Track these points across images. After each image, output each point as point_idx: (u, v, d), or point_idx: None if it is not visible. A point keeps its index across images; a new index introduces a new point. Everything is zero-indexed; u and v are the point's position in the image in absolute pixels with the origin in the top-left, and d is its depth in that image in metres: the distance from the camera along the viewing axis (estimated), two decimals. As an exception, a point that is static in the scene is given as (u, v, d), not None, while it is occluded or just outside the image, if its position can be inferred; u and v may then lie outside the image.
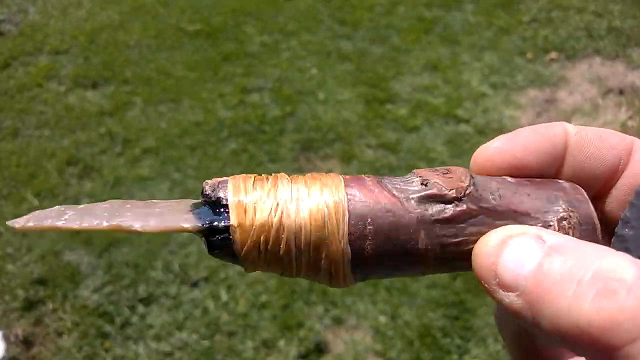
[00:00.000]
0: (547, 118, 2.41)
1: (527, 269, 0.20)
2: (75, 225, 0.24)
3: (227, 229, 0.23)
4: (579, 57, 2.76)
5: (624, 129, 2.31)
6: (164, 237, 1.94)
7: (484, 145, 0.27)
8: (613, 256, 0.20)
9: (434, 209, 0.23)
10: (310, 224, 0.23)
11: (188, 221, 0.24)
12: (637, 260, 0.19)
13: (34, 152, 2.36)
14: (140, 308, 1.75)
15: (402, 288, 1.76)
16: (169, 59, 2.89)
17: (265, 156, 2.25)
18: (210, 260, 1.86)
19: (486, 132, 2.34)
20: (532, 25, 3.02)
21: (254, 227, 0.23)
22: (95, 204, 0.25)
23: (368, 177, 0.25)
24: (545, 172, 0.26)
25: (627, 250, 0.23)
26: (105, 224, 0.24)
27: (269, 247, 0.23)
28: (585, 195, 0.25)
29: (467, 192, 0.24)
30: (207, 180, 0.25)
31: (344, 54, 2.87)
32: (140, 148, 2.33)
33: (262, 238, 0.23)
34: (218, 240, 0.23)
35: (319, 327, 1.68)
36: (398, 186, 0.24)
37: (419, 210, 0.23)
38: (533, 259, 0.21)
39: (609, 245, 0.23)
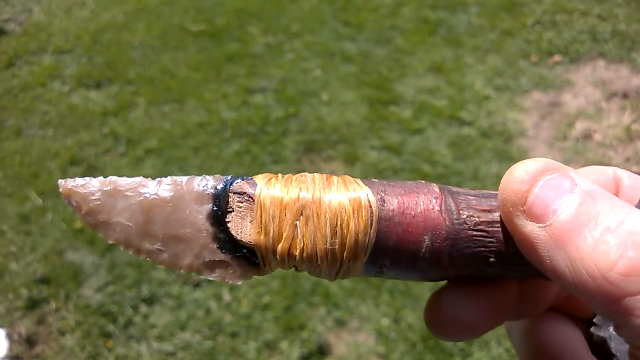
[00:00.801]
0: (551, 121, 2.41)
1: (561, 205, 0.21)
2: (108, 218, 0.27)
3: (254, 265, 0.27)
4: (583, 60, 2.76)
5: (628, 132, 2.31)
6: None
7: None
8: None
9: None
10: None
11: (219, 256, 0.27)
12: None
13: (38, 151, 2.36)
14: (143, 308, 1.75)
15: (405, 290, 1.76)
16: (173, 60, 2.90)
17: (268, 157, 2.25)
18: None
19: (489, 135, 2.33)
20: (536, 28, 3.02)
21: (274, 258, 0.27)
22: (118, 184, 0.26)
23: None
24: None
25: None
26: (131, 252, 0.27)
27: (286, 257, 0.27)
28: None
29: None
30: (230, 230, 0.26)
31: (348, 55, 2.87)
32: (143, 148, 2.33)
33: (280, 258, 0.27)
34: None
35: (322, 328, 1.68)
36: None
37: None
38: (568, 198, 0.22)
39: None
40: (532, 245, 0.22)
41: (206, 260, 0.27)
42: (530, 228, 0.22)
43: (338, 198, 0.26)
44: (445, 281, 0.29)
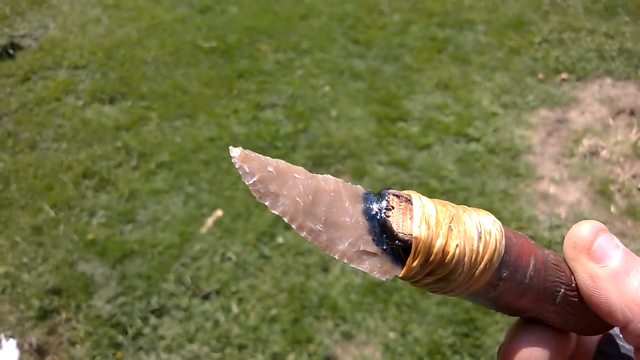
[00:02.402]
0: (557, 137, 2.43)
1: (613, 255, 0.31)
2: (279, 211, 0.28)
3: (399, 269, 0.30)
4: (590, 77, 2.78)
5: (635, 149, 2.32)
6: (176, 250, 1.97)
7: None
8: None
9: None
10: (476, 258, 0.30)
11: (372, 247, 0.29)
12: None
13: (51, 164, 2.40)
14: (153, 319, 1.77)
15: (412, 305, 1.77)
16: (185, 75, 2.95)
17: (277, 172, 2.27)
18: (221, 274, 1.88)
19: (497, 152, 2.35)
20: (543, 46, 3.04)
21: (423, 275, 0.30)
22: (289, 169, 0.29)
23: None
24: None
25: None
26: (294, 226, 0.28)
27: (437, 269, 0.30)
28: None
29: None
30: (391, 224, 0.29)
31: (357, 72, 2.90)
32: (155, 162, 2.37)
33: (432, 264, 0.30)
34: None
35: (329, 342, 1.69)
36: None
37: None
38: (617, 250, 0.31)
39: None
40: (593, 279, 0.31)
41: (360, 249, 0.29)
42: (592, 266, 0.31)
43: (477, 214, 0.31)
44: (516, 319, 0.35)
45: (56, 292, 1.86)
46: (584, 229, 0.32)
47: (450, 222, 0.30)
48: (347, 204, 0.29)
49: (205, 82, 2.88)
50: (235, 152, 0.29)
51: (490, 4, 3.49)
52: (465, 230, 0.30)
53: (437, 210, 0.30)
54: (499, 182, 2.22)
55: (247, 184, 0.28)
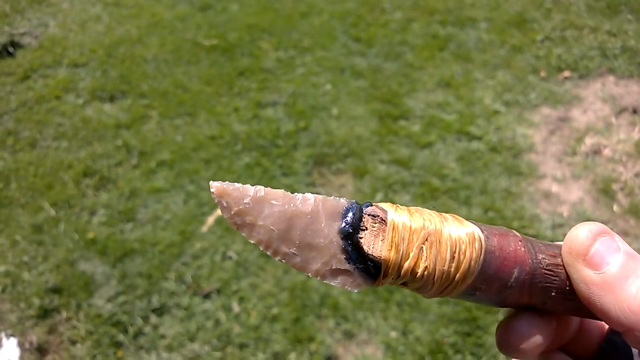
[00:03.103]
0: (560, 136, 2.42)
1: (612, 260, 0.29)
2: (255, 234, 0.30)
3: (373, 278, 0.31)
4: (592, 75, 2.77)
5: (638, 148, 2.30)
6: (177, 249, 1.96)
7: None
8: None
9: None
10: (450, 273, 0.31)
11: (345, 265, 0.30)
12: None
13: (51, 163, 2.40)
14: (153, 318, 1.76)
15: (414, 304, 1.76)
16: (186, 74, 2.94)
17: (278, 170, 2.27)
18: (222, 273, 1.88)
19: (498, 150, 2.34)
20: (545, 44, 3.03)
21: (395, 279, 0.31)
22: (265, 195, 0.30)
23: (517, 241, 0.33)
24: None
25: None
26: (269, 252, 0.30)
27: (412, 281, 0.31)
28: None
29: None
30: (362, 245, 0.30)
31: (358, 70, 2.89)
32: (155, 160, 2.36)
33: (404, 276, 0.31)
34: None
35: (330, 341, 1.68)
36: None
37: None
38: (616, 256, 0.30)
39: None
40: (588, 286, 0.30)
41: (333, 267, 0.31)
42: (587, 273, 0.30)
43: (457, 231, 0.31)
44: (508, 309, 0.36)
45: (57, 290, 1.85)
46: (580, 234, 0.31)
47: (422, 243, 0.30)
48: (323, 225, 0.30)
49: (205, 80, 2.87)
50: (215, 186, 0.30)
51: (492, 2, 3.48)
52: (439, 251, 0.30)
53: (410, 231, 0.30)
54: (501, 180, 2.21)
55: (225, 217, 0.30)
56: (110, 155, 2.41)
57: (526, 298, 0.33)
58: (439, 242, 0.31)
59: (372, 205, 0.31)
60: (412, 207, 0.32)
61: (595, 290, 0.29)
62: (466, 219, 0.33)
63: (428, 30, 3.22)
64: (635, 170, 2.21)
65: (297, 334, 1.70)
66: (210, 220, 2.08)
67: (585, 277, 0.30)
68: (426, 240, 0.30)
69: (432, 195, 2.14)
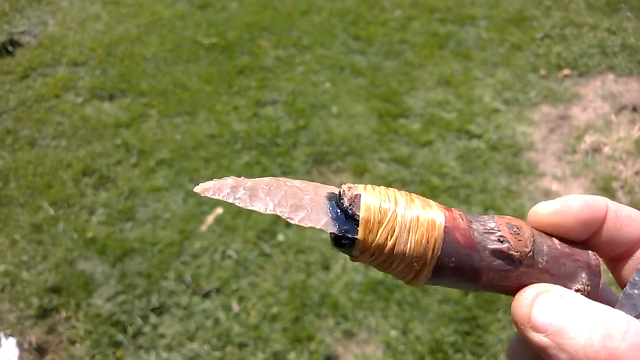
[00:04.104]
0: (560, 134, 2.41)
1: (554, 317, 0.29)
2: (245, 205, 0.31)
3: (353, 239, 0.31)
4: (592, 73, 2.76)
5: (638, 145, 2.30)
6: (176, 248, 1.96)
7: (541, 206, 0.34)
8: (612, 311, 0.29)
9: (499, 262, 0.32)
10: (413, 251, 0.31)
11: (328, 225, 0.31)
12: (628, 315, 0.28)
13: (51, 162, 2.39)
14: (153, 318, 1.76)
15: (414, 302, 1.76)
16: (185, 72, 2.93)
17: (278, 169, 2.27)
18: (222, 272, 1.88)
19: (498, 148, 2.34)
20: (545, 42, 3.03)
21: (372, 244, 0.31)
22: (258, 180, 0.33)
23: (460, 216, 0.32)
24: (584, 234, 0.34)
25: (634, 306, 0.32)
26: (268, 211, 0.31)
27: (379, 257, 0.31)
28: (601, 269, 0.34)
29: (528, 256, 0.32)
30: (343, 188, 0.32)
31: (358, 68, 2.89)
32: (155, 159, 2.35)
33: (376, 252, 0.31)
34: (344, 243, 0.31)
35: (330, 340, 1.68)
36: (479, 233, 0.32)
37: (488, 261, 0.32)
38: (557, 311, 0.29)
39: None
40: (545, 349, 0.29)
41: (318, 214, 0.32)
42: (538, 338, 0.30)
43: (424, 215, 0.32)
44: None
45: (56, 290, 1.85)
46: (521, 302, 0.31)
47: (393, 225, 0.31)
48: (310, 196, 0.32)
49: (205, 79, 2.86)
50: (197, 189, 0.31)
51: (491, 0, 3.47)
52: (408, 232, 0.31)
53: (381, 212, 0.31)
54: (501, 179, 2.20)
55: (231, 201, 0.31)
56: (110, 154, 2.41)
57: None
58: (407, 226, 0.31)
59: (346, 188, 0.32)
60: (382, 187, 0.33)
61: (550, 351, 0.29)
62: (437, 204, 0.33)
63: (428, 28, 3.21)
64: (635, 168, 2.21)
65: (297, 333, 1.69)
66: (210, 219, 2.07)
67: (536, 342, 0.30)
68: (395, 220, 0.31)
69: (432, 193, 2.14)
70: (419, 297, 1.77)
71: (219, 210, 2.10)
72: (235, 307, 1.78)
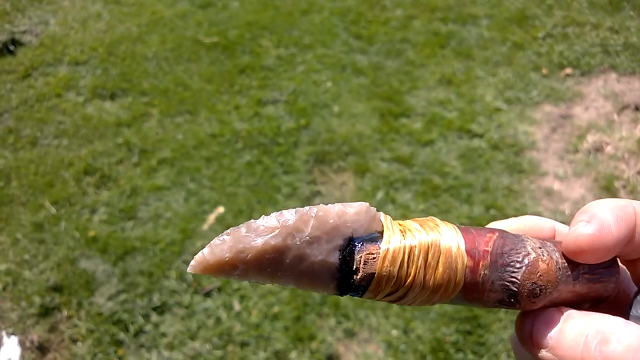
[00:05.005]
0: (562, 133, 2.41)
1: (552, 332, 0.30)
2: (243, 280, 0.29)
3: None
4: (594, 72, 2.76)
5: (640, 145, 2.30)
6: (178, 247, 1.96)
7: (579, 232, 0.32)
8: (607, 317, 0.29)
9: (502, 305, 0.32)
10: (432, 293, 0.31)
11: (334, 290, 0.30)
12: (625, 320, 0.29)
13: (52, 161, 2.39)
14: (154, 317, 1.76)
15: (415, 302, 1.76)
16: (186, 71, 2.93)
17: (279, 168, 2.27)
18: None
19: (500, 147, 2.33)
20: (547, 41, 3.02)
21: (382, 294, 0.31)
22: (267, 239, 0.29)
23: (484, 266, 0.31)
24: (619, 252, 0.33)
25: None
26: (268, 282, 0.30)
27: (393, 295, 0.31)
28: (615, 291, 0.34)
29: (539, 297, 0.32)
30: (359, 260, 0.30)
31: (359, 67, 2.89)
32: (156, 158, 2.35)
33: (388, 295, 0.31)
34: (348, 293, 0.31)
35: (331, 339, 1.68)
36: (495, 279, 0.31)
37: (493, 300, 0.32)
38: (555, 325, 0.31)
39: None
40: None
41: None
42: (542, 354, 0.31)
43: (448, 245, 0.31)
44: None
45: (57, 289, 1.85)
46: (523, 319, 0.32)
47: (415, 258, 0.30)
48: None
49: (206, 78, 2.86)
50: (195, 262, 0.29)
51: (493, -1, 3.47)
52: (428, 266, 0.31)
53: (403, 252, 0.30)
54: (503, 178, 2.20)
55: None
56: (111, 153, 2.41)
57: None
58: (426, 259, 0.31)
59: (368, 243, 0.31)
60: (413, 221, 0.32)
61: None
62: (446, 223, 0.32)
63: (429, 27, 3.21)
64: (637, 167, 2.21)
65: (298, 333, 1.69)
66: (211, 218, 2.07)
67: (540, 357, 0.31)
68: (418, 255, 0.30)
69: (434, 193, 2.14)
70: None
71: (221, 210, 2.10)
72: (237, 306, 1.78)
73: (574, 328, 0.30)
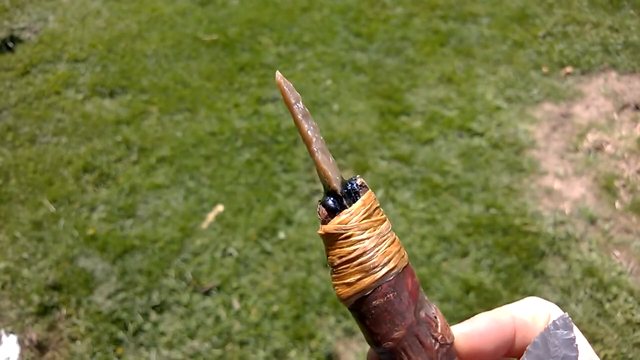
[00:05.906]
0: (562, 132, 2.41)
1: None
2: (298, 116, 0.35)
3: (341, 209, 0.33)
4: (594, 71, 2.75)
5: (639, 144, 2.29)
6: (177, 246, 1.96)
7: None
8: None
9: (424, 330, 0.32)
10: (375, 259, 0.32)
11: (336, 183, 0.33)
12: None
13: (51, 158, 2.39)
14: (153, 315, 1.76)
15: (415, 301, 1.76)
16: (186, 69, 2.92)
17: (279, 166, 2.26)
18: (223, 269, 1.87)
19: (500, 146, 2.33)
20: (547, 40, 3.01)
21: (352, 224, 0.32)
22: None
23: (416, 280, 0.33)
24: (500, 352, 0.34)
25: None
26: (309, 132, 0.35)
27: (343, 243, 0.32)
28: None
29: (446, 345, 0.33)
30: (357, 177, 0.34)
31: (359, 65, 2.88)
32: (155, 156, 2.35)
33: (346, 233, 0.32)
34: (333, 205, 0.33)
35: (331, 338, 1.68)
36: (423, 296, 0.33)
37: (418, 320, 0.32)
38: None
39: None
40: None
41: None
42: None
43: (399, 245, 0.34)
44: None
45: (56, 287, 1.84)
46: None
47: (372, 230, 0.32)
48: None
49: (206, 76, 2.85)
50: (281, 78, 0.33)
51: (493, -3, 3.46)
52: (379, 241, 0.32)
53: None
54: (503, 177, 2.20)
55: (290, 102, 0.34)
56: (110, 151, 2.41)
57: None
58: (385, 234, 0.32)
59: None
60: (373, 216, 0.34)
61: None
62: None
63: (429, 25, 3.20)
64: (637, 166, 2.20)
65: (298, 331, 1.69)
66: (211, 216, 2.07)
67: None
68: (381, 222, 0.33)
69: (433, 191, 2.13)
70: (420, 296, 1.76)
71: (220, 208, 2.10)
72: (236, 304, 1.78)
73: None
